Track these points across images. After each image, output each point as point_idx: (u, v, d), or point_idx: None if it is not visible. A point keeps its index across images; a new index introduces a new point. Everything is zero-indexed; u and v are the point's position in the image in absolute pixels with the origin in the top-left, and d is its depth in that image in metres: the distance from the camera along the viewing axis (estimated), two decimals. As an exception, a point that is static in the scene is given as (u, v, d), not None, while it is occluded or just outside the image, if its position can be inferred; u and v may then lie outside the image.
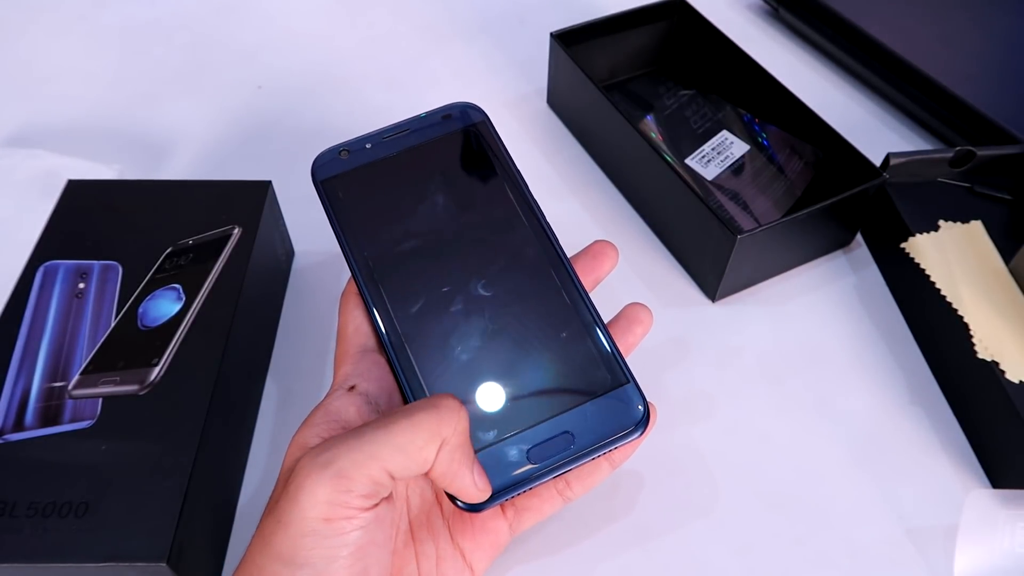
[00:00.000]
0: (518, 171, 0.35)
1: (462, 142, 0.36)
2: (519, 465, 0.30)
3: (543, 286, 0.33)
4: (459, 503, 0.30)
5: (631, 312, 0.35)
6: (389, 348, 0.32)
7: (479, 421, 0.31)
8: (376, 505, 0.27)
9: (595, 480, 0.35)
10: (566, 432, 0.31)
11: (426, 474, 0.28)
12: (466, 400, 0.31)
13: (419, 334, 0.32)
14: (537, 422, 0.31)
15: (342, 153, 0.35)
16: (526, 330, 0.33)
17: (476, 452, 0.30)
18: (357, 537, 0.27)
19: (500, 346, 0.32)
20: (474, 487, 0.29)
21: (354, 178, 0.35)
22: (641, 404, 0.32)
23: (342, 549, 0.26)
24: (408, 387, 0.32)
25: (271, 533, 0.27)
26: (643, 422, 0.31)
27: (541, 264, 0.34)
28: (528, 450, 0.31)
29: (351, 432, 0.28)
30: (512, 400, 0.32)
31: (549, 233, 0.34)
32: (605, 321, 0.34)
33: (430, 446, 0.27)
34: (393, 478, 0.27)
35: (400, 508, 0.32)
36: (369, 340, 0.33)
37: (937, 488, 0.41)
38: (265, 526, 0.27)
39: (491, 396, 0.32)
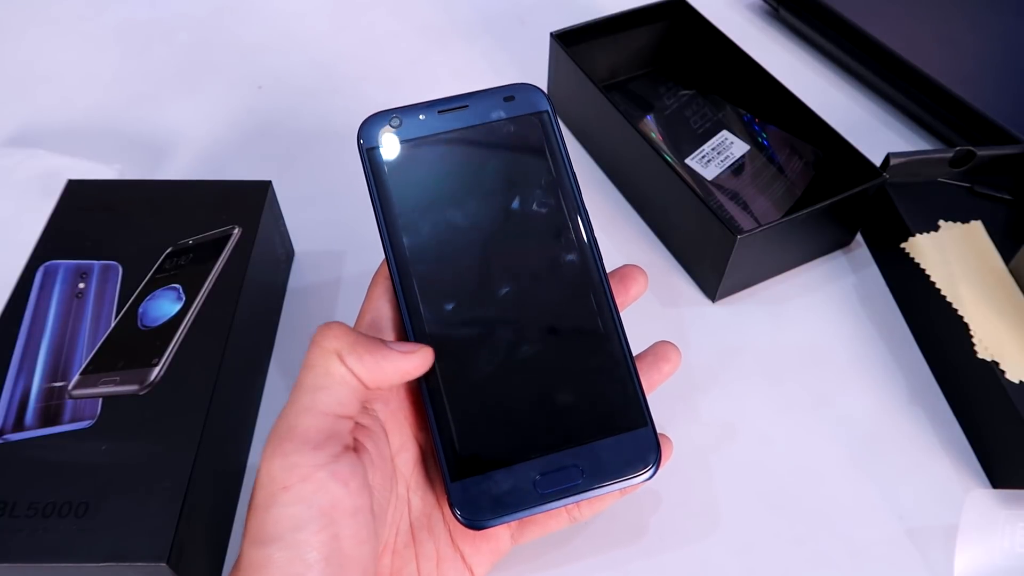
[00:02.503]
0: (574, 174, 0.33)
1: (521, 131, 0.33)
2: (523, 491, 0.30)
3: (580, 309, 0.32)
4: (460, 519, 0.30)
5: (660, 349, 0.35)
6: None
7: (492, 438, 0.31)
8: (337, 460, 0.27)
9: (604, 504, 0.35)
10: (575, 466, 0.31)
11: (368, 388, 0.29)
12: (482, 417, 0.31)
13: (446, 336, 0.31)
14: (549, 451, 0.31)
15: (393, 121, 0.32)
16: (555, 354, 0.32)
17: (486, 472, 0.30)
18: (320, 501, 0.27)
19: (526, 366, 0.32)
20: (407, 359, 0.29)
21: (401, 152, 0.32)
22: (655, 450, 0.31)
23: (306, 514, 0.26)
24: (426, 390, 0.31)
25: (247, 520, 0.27)
26: (654, 467, 0.31)
27: (582, 284, 0.32)
28: (535, 478, 0.30)
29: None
30: (528, 424, 0.31)
31: (595, 251, 0.33)
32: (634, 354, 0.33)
33: (330, 364, 0.28)
34: (340, 417, 0.28)
35: (401, 509, 0.32)
36: (383, 334, 0.32)
37: (937, 488, 0.41)
38: (246, 517, 0.28)
39: (508, 416, 0.31)
